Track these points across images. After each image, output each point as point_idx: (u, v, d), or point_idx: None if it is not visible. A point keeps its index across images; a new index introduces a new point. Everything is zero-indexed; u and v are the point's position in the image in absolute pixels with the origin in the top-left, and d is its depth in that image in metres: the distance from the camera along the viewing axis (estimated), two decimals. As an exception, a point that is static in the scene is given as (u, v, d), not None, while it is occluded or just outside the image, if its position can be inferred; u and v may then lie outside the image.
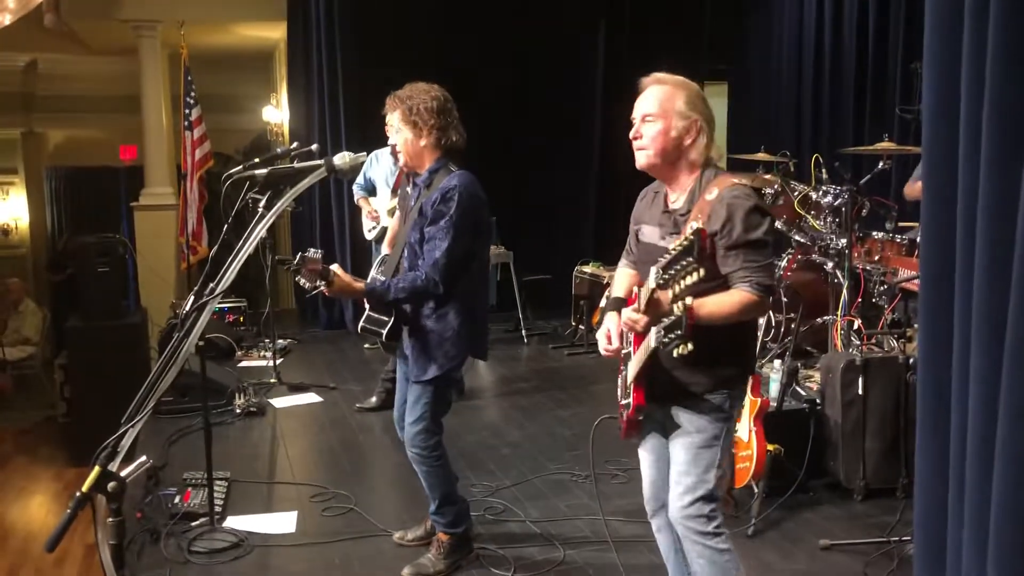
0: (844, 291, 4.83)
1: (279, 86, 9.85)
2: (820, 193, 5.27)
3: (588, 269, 7.10)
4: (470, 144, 3.22)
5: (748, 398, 3.63)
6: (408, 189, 3.35)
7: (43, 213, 11.99)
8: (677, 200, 2.43)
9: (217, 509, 3.75)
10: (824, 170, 5.33)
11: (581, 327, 7.03)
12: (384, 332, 3.16)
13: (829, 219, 5.24)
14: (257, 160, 2.22)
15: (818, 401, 4.02)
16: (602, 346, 2.52)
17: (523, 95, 8.30)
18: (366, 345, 6.97)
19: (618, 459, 4.18)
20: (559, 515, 3.80)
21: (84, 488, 1.65)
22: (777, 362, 4.26)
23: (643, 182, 2.60)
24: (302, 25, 7.90)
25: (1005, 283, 2.14)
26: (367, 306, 3.21)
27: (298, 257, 2.93)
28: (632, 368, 2.39)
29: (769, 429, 3.65)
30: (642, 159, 2.42)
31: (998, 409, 2.13)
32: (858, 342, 4.43)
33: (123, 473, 1.70)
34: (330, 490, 4.10)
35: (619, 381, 2.53)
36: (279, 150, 2.48)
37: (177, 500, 3.83)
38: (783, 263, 5.41)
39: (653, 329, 2.15)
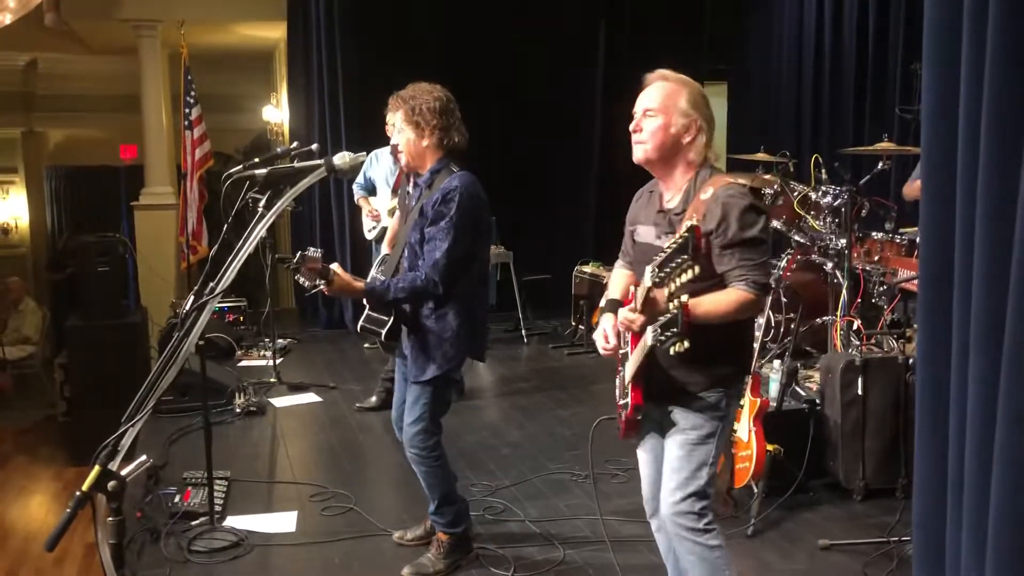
0: (844, 291, 4.82)
1: (279, 86, 9.85)
2: (820, 193, 5.27)
3: (588, 269, 7.11)
4: (470, 144, 3.22)
5: (748, 398, 3.64)
6: (409, 189, 3.34)
7: (43, 212, 11.98)
8: (672, 199, 2.43)
9: (217, 508, 3.75)
10: (824, 170, 5.32)
11: (581, 327, 7.03)
12: (383, 332, 3.16)
13: (829, 219, 5.24)
14: (257, 160, 2.21)
15: (818, 401, 4.03)
16: (600, 346, 2.52)
17: (523, 95, 8.29)
18: (366, 345, 6.97)
19: (618, 459, 4.18)
20: (559, 515, 3.80)
21: (84, 487, 1.65)
22: (777, 362, 4.26)
23: (642, 182, 2.60)
24: (302, 25, 7.91)
25: (1004, 284, 2.14)
26: (367, 306, 3.21)
27: (298, 256, 2.93)
28: (629, 368, 2.39)
29: (769, 429, 3.66)
30: (639, 153, 2.42)
31: (997, 411, 2.14)
32: (857, 342, 4.43)
33: (123, 472, 1.70)
34: (330, 490, 4.11)
35: (617, 381, 2.54)
36: (279, 150, 2.48)
37: (177, 499, 3.84)
38: (783, 263, 5.40)
39: (649, 328, 2.15)
